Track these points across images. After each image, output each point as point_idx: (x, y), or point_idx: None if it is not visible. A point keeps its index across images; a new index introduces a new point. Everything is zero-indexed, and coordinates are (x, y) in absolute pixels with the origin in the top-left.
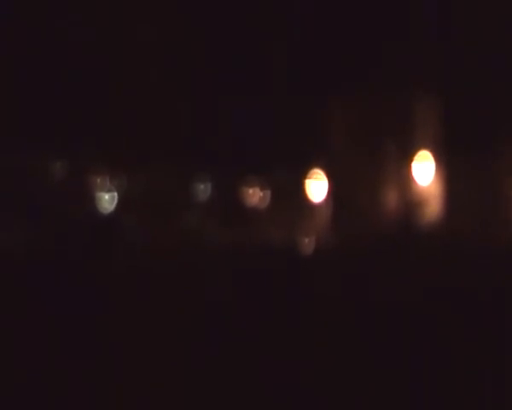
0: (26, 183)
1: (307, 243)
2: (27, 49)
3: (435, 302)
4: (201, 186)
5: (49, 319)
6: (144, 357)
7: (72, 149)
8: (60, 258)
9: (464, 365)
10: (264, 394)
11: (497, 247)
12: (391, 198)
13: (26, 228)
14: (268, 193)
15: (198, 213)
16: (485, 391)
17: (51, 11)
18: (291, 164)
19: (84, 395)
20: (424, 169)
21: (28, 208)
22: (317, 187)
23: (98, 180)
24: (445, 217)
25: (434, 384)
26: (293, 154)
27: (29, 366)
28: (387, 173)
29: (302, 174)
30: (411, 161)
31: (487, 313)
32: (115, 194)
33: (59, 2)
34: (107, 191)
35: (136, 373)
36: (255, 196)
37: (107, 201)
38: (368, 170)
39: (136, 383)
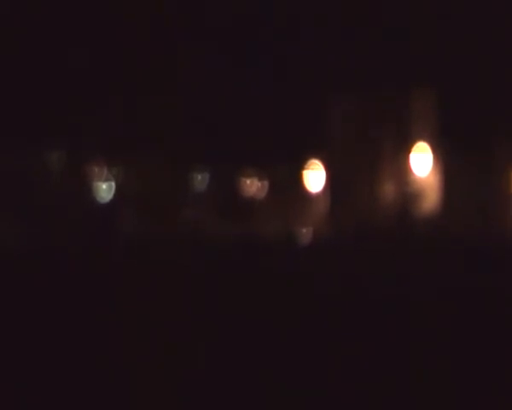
0: (24, 173)
1: (305, 234)
2: (26, 43)
3: (432, 293)
4: (199, 176)
5: (48, 308)
6: (143, 349)
7: (69, 139)
8: (58, 247)
9: (460, 357)
10: (263, 387)
11: (493, 238)
12: (388, 189)
13: (25, 218)
14: (266, 184)
15: (196, 204)
16: (483, 385)
17: (47, 8)
18: (289, 155)
19: (86, 390)
20: (422, 160)
21: (26, 198)
22: (314, 178)
23: (96, 170)
24: (441, 208)
25: (431, 377)
26: (291, 144)
27: (30, 362)
28: (385, 164)
29: (300, 165)
30: (409, 152)
31: (483, 302)
32: (113, 183)
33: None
34: (104, 181)
35: (135, 364)
36: (253, 186)
37: (105, 190)
38: (365, 161)
39: (135, 373)
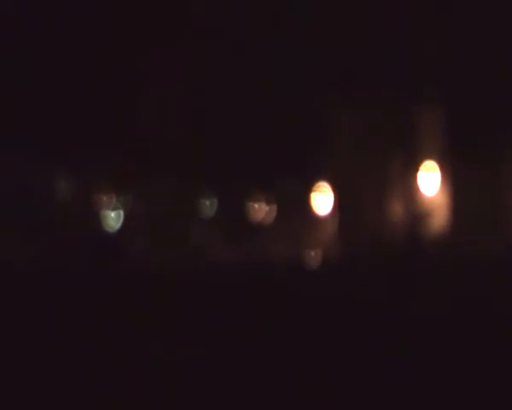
0: (34, 201)
1: (313, 256)
2: (35, 65)
3: (441, 311)
4: (207, 202)
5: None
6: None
7: (78, 168)
8: (67, 275)
9: (467, 370)
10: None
11: (501, 256)
12: (397, 209)
13: (34, 245)
14: (274, 207)
15: (205, 229)
16: (484, 390)
17: (58, 21)
18: (296, 178)
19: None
20: (430, 179)
21: (36, 226)
22: (322, 200)
23: (104, 198)
24: (450, 226)
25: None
26: (298, 168)
27: (31, 362)
28: (393, 185)
29: (308, 188)
30: (417, 171)
31: (491, 320)
32: (121, 212)
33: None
34: (112, 209)
35: (138, 378)
36: (261, 210)
37: (113, 218)
38: (373, 182)
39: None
